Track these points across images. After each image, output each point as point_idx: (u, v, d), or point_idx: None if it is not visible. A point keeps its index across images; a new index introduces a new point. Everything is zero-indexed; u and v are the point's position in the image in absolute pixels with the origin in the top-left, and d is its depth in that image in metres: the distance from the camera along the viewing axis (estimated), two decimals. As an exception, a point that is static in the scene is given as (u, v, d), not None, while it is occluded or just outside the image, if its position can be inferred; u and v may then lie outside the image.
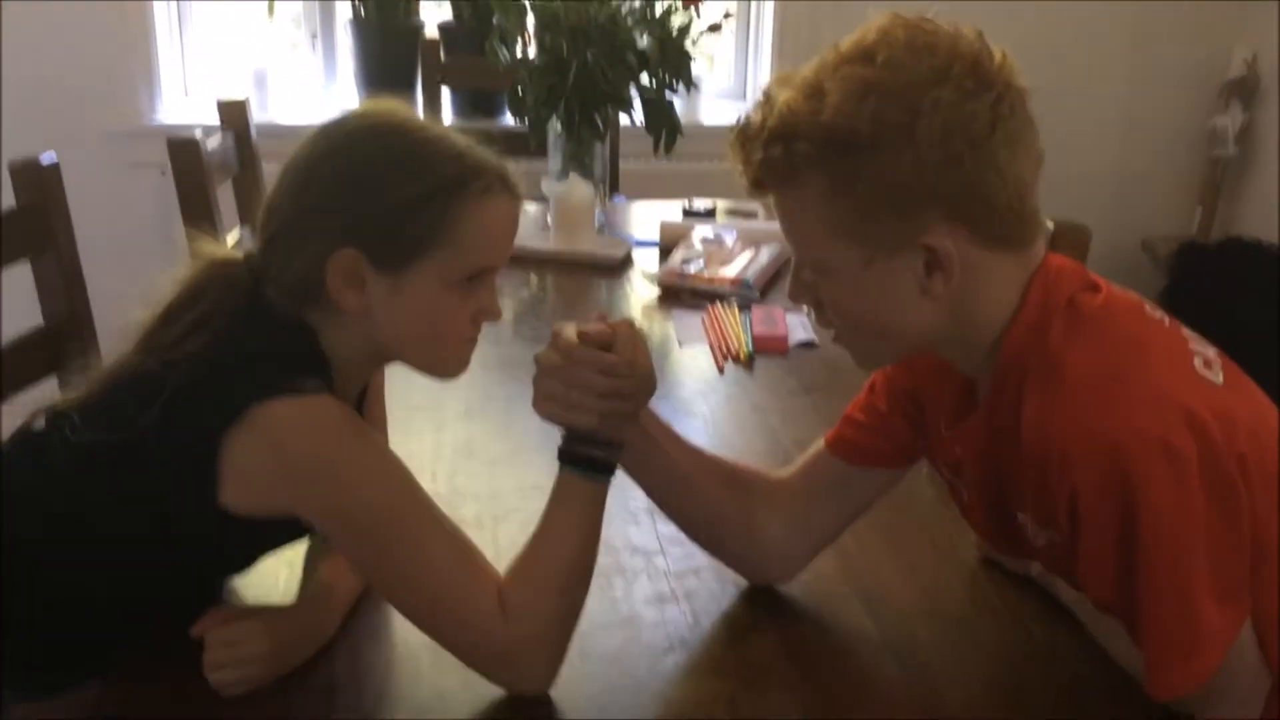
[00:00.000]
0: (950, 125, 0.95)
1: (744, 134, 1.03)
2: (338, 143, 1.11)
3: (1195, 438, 0.94)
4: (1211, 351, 1.05)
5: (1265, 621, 1.01)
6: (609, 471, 1.14)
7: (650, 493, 1.27)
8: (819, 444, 1.28)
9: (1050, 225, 1.69)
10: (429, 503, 1.08)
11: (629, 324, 1.16)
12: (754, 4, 3.49)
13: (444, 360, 1.16)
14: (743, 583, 1.30)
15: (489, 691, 1.10)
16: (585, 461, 1.13)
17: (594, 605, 1.24)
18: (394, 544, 1.06)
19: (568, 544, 1.11)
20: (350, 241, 1.07)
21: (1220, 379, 1.02)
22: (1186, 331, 1.07)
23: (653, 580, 1.30)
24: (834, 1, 3.23)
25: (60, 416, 1.12)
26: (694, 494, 1.26)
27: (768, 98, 1.02)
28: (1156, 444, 0.93)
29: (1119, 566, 0.97)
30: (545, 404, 1.14)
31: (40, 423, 1.14)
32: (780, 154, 0.99)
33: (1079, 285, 1.04)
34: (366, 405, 1.25)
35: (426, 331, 1.13)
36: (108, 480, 1.09)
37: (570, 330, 1.14)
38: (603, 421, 1.12)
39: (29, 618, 1.12)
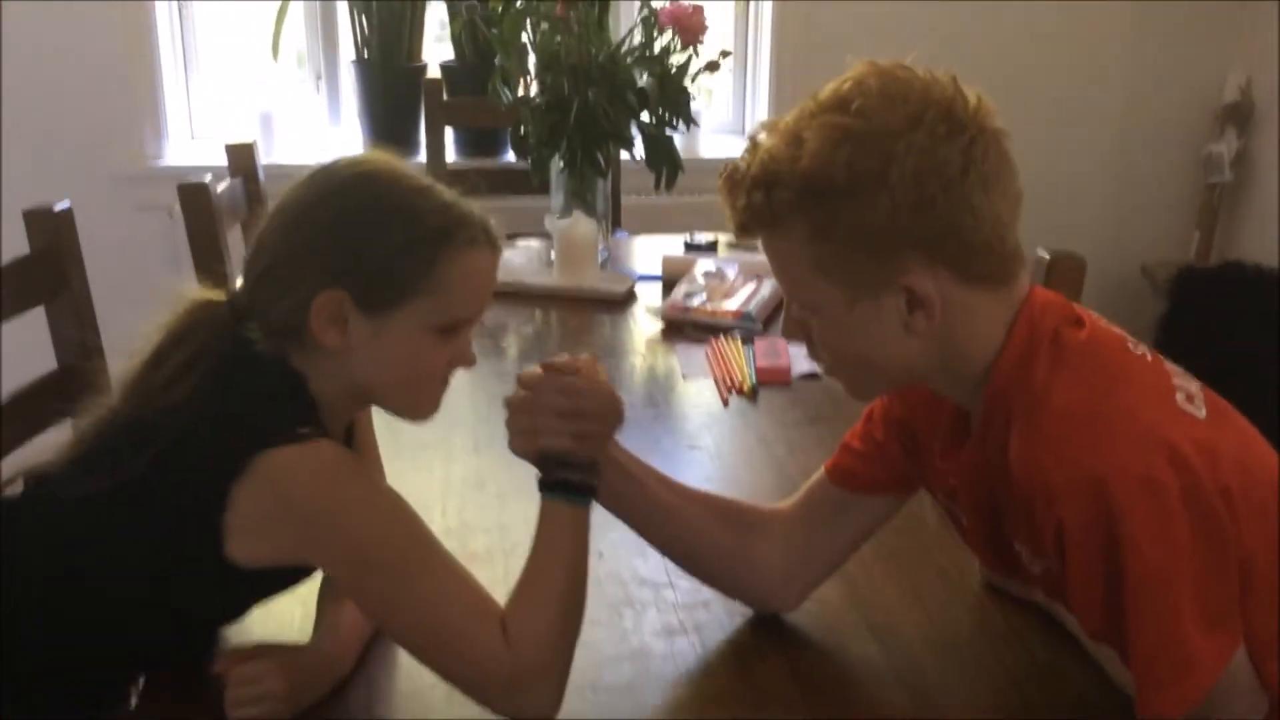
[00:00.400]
0: (923, 170, 0.98)
1: (730, 179, 1.07)
2: (331, 188, 1.14)
3: (1176, 471, 0.96)
4: (1194, 386, 1.07)
5: (1261, 646, 1.02)
6: (588, 494, 1.17)
7: (639, 530, 1.29)
8: (819, 472, 1.31)
9: (1046, 255, 1.71)
10: (431, 538, 1.11)
11: (590, 356, 1.21)
12: (751, 41, 3.53)
13: (417, 403, 1.19)
14: (750, 613, 1.32)
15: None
16: (563, 486, 1.16)
17: (604, 637, 1.27)
18: (399, 582, 1.08)
19: (558, 569, 1.13)
20: (338, 283, 1.10)
21: (1203, 413, 1.04)
22: (1170, 366, 1.09)
23: (661, 612, 1.32)
24: (829, 39, 3.33)
25: (42, 479, 1.14)
26: (682, 527, 1.29)
27: (753, 144, 1.06)
28: (1138, 479, 0.96)
29: (1106, 597, 1.00)
30: (517, 439, 1.18)
31: (18, 488, 1.16)
32: (762, 200, 1.03)
33: (1063, 319, 1.07)
34: (356, 444, 1.28)
35: (403, 375, 1.16)
36: (106, 533, 1.10)
37: (534, 368, 1.19)
38: (574, 443, 1.16)
39: (26, 672, 1.13)
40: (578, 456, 1.16)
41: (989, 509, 1.13)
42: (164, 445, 1.07)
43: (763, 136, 1.05)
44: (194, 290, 1.19)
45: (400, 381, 1.17)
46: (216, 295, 1.19)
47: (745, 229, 1.07)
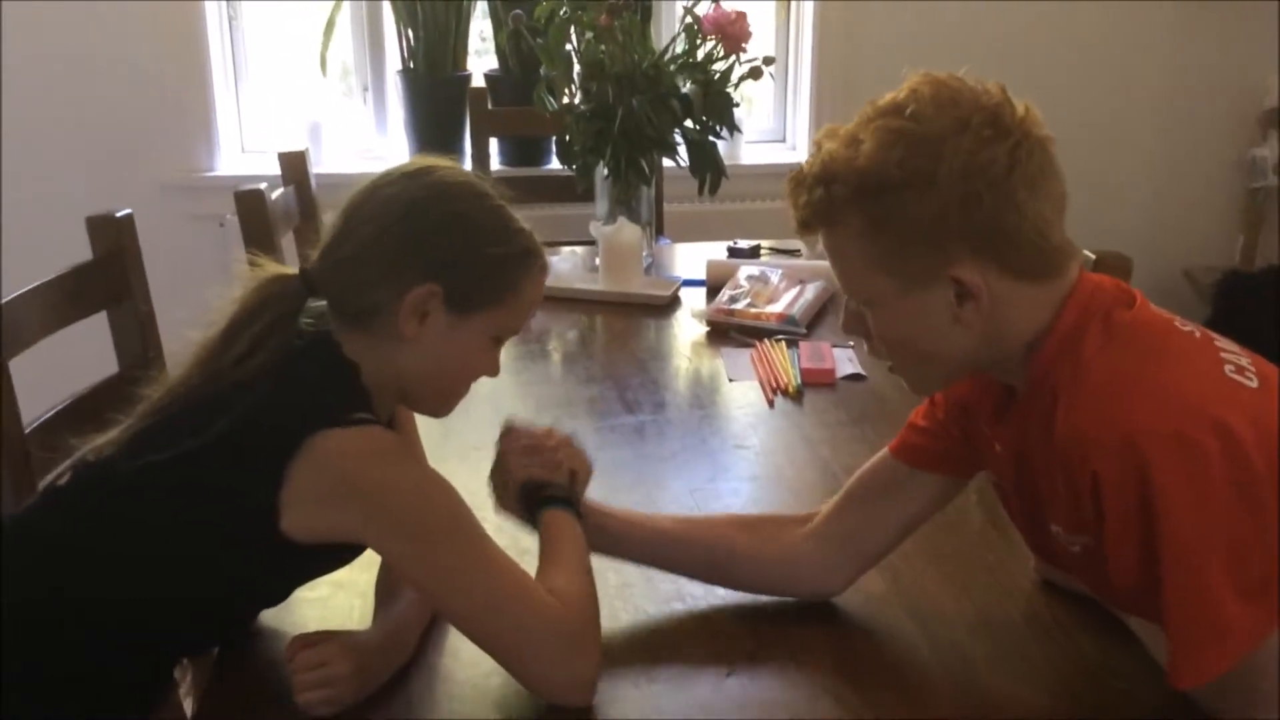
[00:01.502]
0: (970, 169, 1.05)
1: (795, 179, 1.14)
2: (442, 189, 1.20)
3: (1219, 437, 0.99)
4: (1245, 359, 1.10)
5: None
6: (575, 506, 1.28)
7: (661, 565, 1.37)
8: (879, 454, 1.35)
9: (1092, 256, 1.73)
10: (476, 520, 1.17)
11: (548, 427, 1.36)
12: (792, 48, 3.55)
13: (443, 402, 1.27)
14: (797, 603, 1.34)
15: (558, 712, 1.15)
16: (548, 502, 1.27)
17: (656, 629, 1.29)
18: (452, 555, 1.14)
19: (570, 552, 1.22)
20: (439, 278, 1.17)
21: (1255, 383, 1.07)
22: (1221, 342, 1.12)
23: (713, 604, 1.34)
24: (870, 46, 3.35)
25: (100, 457, 1.17)
26: (700, 545, 1.36)
27: (817, 147, 1.13)
28: (1174, 438, 0.99)
29: (1142, 558, 1.03)
30: (499, 496, 1.32)
31: (66, 475, 1.20)
32: (822, 196, 1.11)
33: (1116, 301, 1.11)
34: (398, 433, 1.32)
35: (450, 373, 1.24)
36: (163, 502, 1.14)
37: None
38: (545, 472, 1.29)
39: (74, 655, 1.15)
40: (554, 479, 1.29)
41: (1029, 486, 1.18)
42: (231, 419, 1.11)
43: (826, 141, 1.13)
44: (268, 266, 1.23)
45: (445, 378, 1.24)
46: (289, 271, 1.23)
47: (807, 225, 1.14)
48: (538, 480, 1.29)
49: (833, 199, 1.10)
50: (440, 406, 1.28)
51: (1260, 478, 1.00)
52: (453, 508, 1.15)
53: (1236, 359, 1.09)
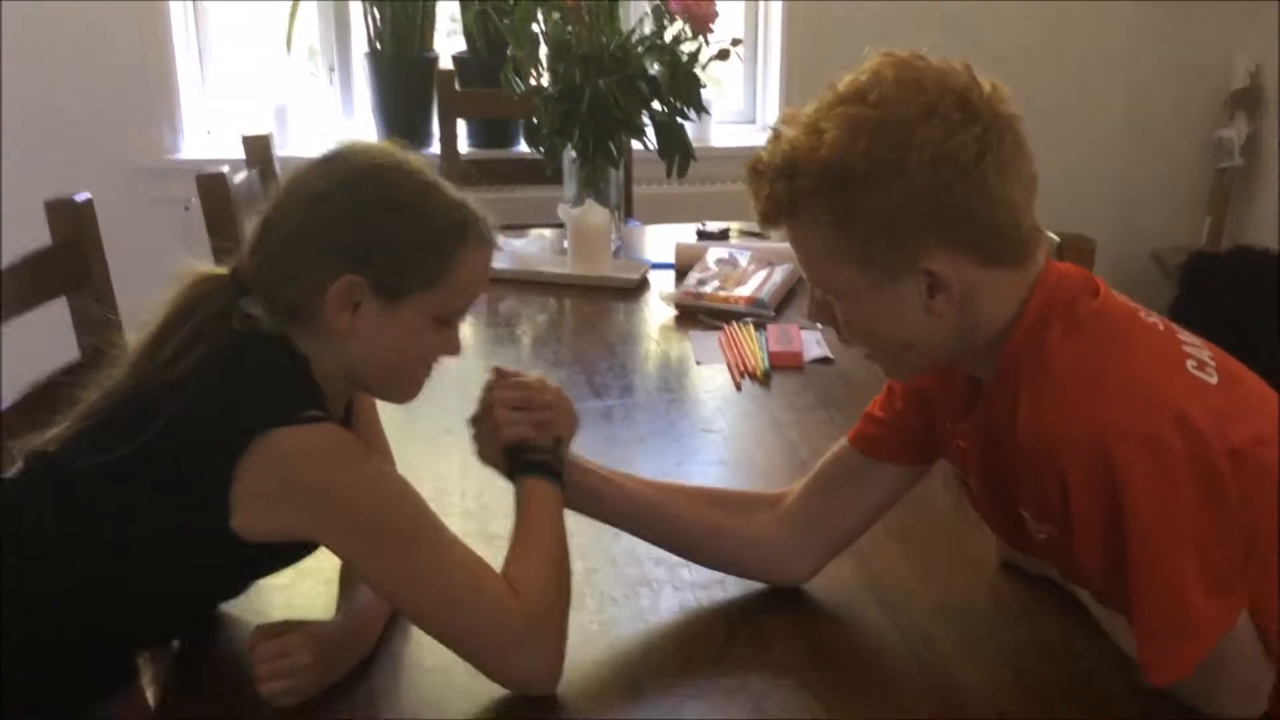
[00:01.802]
0: (939, 157, 1.02)
1: (754, 170, 1.10)
2: (351, 176, 1.17)
3: (1181, 433, 0.99)
4: (1206, 354, 1.09)
5: (1266, 616, 1.04)
6: (557, 474, 1.24)
7: (634, 530, 1.34)
8: (840, 442, 1.34)
9: (1055, 238, 1.73)
10: (430, 513, 1.15)
11: (539, 375, 1.31)
12: (761, 29, 3.54)
13: (403, 388, 1.25)
14: (765, 591, 1.34)
15: (523, 699, 1.15)
16: (531, 466, 1.23)
17: (622, 617, 1.29)
18: (405, 554, 1.12)
19: (545, 531, 1.20)
20: (358, 268, 1.14)
21: (1214, 380, 1.06)
22: (1183, 335, 1.12)
23: (678, 591, 1.34)
24: (839, 27, 3.34)
25: (44, 453, 1.16)
26: (676, 518, 1.33)
27: (775, 135, 1.09)
28: (1139, 436, 0.98)
29: (1108, 554, 1.03)
30: (482, 444, 1.27)
31: (18, 466, 1.18)
32: (784, 189, 1.07)
33: (1081, 290, 1.10)
34: (357, 427, 1.31)
35: (397, 359, 1.21)
36: (111, 505, 1.12)
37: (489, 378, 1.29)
38: (533, 430, 1.24)
39: (27, 653, 1.14)
40: (539, 442, 1.24)
41: (995, 475, 1.16)
42: (169, 420, 1.09)
43: (784, 128, 1.09)
44: (198, 266, 1.21)
45: (393, 365, 1.21)
46: (219, 270, 1.21)
47: (769, 218, 1.11)
48: (523, 441, 1.24)
49: (796, 192, 1.06)
50: (400, 393, 1.25)
51: (1223, 473, 1.00)
52: (405, 503, 1.13)
53: (1198, 353, 1.09)
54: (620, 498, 1.32)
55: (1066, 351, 1.05)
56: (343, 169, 1.18)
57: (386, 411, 1.41)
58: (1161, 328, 1.11)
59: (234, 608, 1.29)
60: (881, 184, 1.03)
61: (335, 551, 1.16)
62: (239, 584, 1.26)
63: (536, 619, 1.13)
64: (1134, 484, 0.98)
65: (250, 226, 1.20)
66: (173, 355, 1.13)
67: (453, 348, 1.23)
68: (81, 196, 1.78)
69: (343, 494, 1.11)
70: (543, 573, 1.17)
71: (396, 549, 1.12)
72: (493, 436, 1.25)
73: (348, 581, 1.28)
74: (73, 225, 1.76)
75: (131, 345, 1.18)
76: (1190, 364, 1.07)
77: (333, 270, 1.13)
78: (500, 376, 1.28)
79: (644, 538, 1.35)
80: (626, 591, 1.34)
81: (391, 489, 1.14)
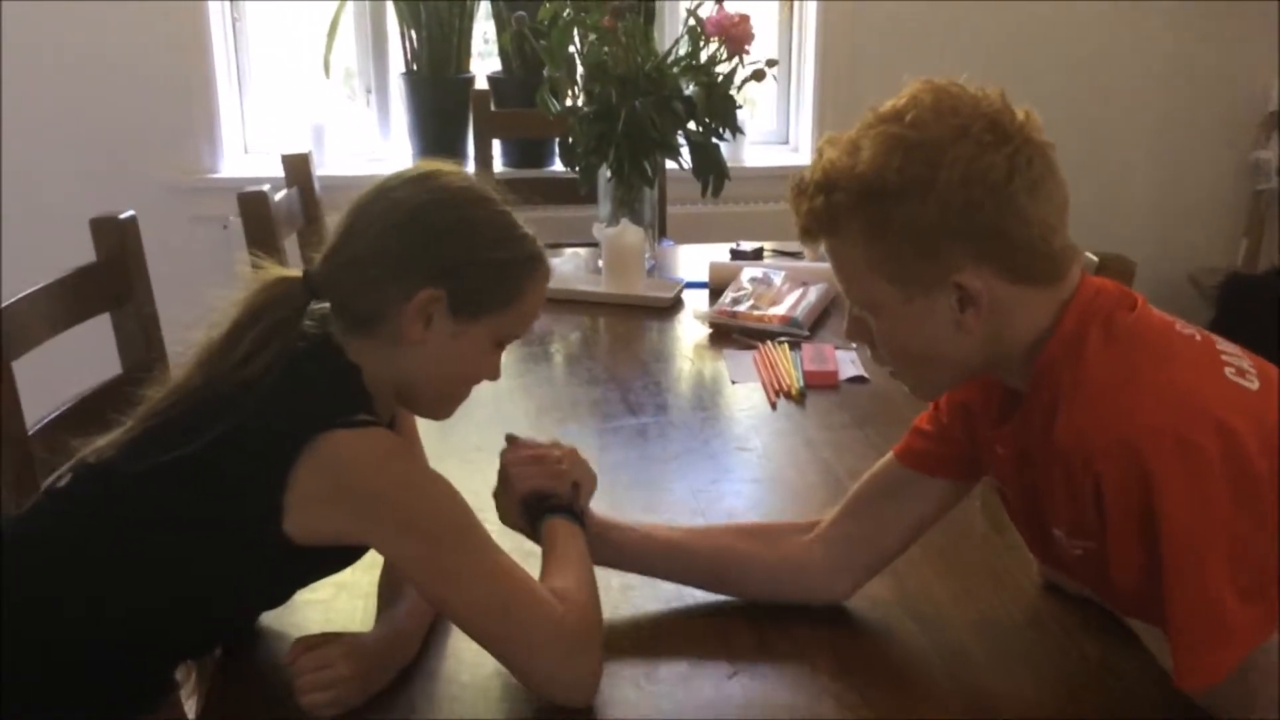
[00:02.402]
0: (969, 175, 1.05)
1: (797, 187, 1.15)
2: (446, 195, 1.20)
3: (1219, 438, 1.00)
4: (1246, 362, 1.10)
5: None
6: (577, 515, 1.28)
7: (667, 576, 1.36)
8: (881, 460, 1.35)
9: (1094, 259, 1.73)
10: (478, 521, 1.17)
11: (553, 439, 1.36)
12: (795, 50, 3.56)
13: (446, 405, 1.28)
14: (801, 608, 1.33)
15: (560, 713, 1.15)
16: (552, 510, 1.27)
17: (659, 628, 1.30)
18: (457, 560, 1.14)
19: (574, 557, 1.23)
20: (438, 283, 1.17)
21: (1255, 385, 1.07)
22: (1222, 345, 1.12)
23: (717, 604, 1.34)
24: (873, 48, 3.35)
25: (92, 465, 1.17)
26: (706, 555, 1.36)
27: (819, 155, 1.14)
28: (1173, 440, 1.00)
29: (1144, 562, 1.03)
30: (504, 511, 1.32)
31: (67, 477, 1.19)
32: (823, 204, 1.11)
33: (1118, 304, 1.12)
34: (399, 435, 1.31)
35: (453, 376, 1.24)
36: (165, 504, 1.14)
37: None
38: (549, 481, 1.30)
39: (72, 659, 1.15)
40: (555, 490, 1.29)
41: (1030, 491, 1.18)
42: (234, 421, 1.11)
43: (827, 148, 1.13)
44: (271, 268, 1.24)
45: (446, 381, 1.24)
46: (292, 273, 1.23)
47: (809, 232, 1.15)
48: (540, 491, 1.29)
49: (833, 206, 1.10)
50: (441, 410, 1.28)
51: (1261, 479, 1.01)
52: (456, 509, 1.15)
53: (1238, 361, 1.10)
54: (646, 545, 1.35)
55: (1103, 363, 1.07)
56: (436, 187, 1.21)
57: (421, 428, 1.42)
58: (1199, 338, 1.12)
59: (273, 620, 1.30)
60: (914, 198, 1.06)
61: (385, 554, 1.18)
62: (283, 592, 1.27)
63: (581, 629, 1.15)
64: (1167, 486, 1.00)
65: (328, 233, 1.23)
66: (244, 357, 1.15)
67: (494, 373, 1.27)
68: (126, 214, 1.81)
69: (394, 496, 1.13)
70: (580, 587, 1.18)
71: (446, 552, 1.14)
72: (511, 496, 1.30)
73: (386, 595, 1.29)
74: (117, 242, 1.78)
75: (200, 344, 1.19)
76: (1229, 371, 1.08)
77: (416, 282, 1.17)
78: (512, 443, 1.34)
79: (675, 580, 1.36)
80: (664, 605, 1.34)
81: (441, 492, 1.15)
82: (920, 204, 1.06)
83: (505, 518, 1.32)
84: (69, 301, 1.70)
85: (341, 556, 1.24)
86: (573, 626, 1.14)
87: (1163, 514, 1.00)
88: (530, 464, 1.31)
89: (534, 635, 1.13)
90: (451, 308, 1.18)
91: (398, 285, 1.17)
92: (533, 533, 1.28)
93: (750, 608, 1.34)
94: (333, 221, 1.24)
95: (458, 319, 1.19)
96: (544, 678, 1.14)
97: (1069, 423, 1.07)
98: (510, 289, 1.21)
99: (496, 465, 1.33)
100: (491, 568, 1.14)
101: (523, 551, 1.25)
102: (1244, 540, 1.00)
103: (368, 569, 1.30)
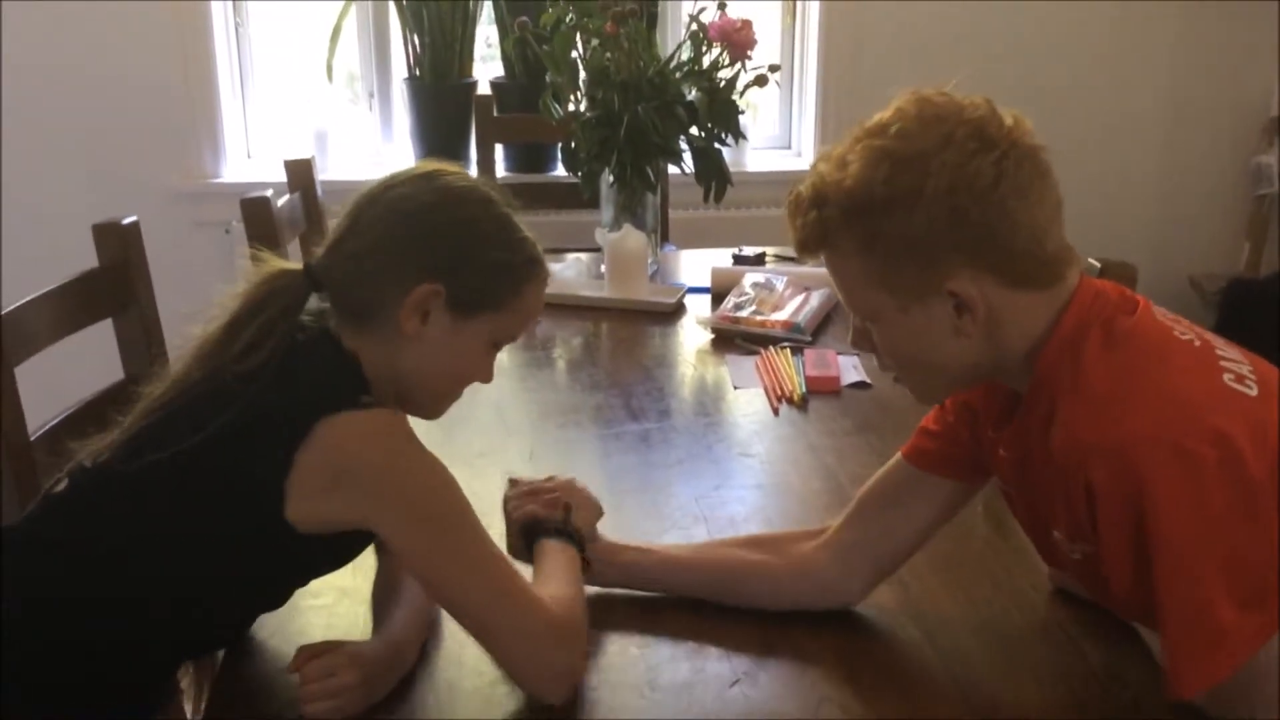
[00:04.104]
0: (956, 183, 1.06)
1: (792, 203, 1.16)
2: (450, 193, 1.21)
3: (1215, 445, 1.00)
4: (1246, 367, 1.10)
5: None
6: (568, 536, 1.30)
7: (674, 590, 1.37)
8: (889, 462, 1.35)
9: (1097, 264, 1.73)
10: (474, 511, 1.18)
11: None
12: (798, 56, 3.56)
13: (438, 404, 1.28)
14: (804, 614, 1.33)
15: (559, 716, 1.15)
16: (545, 533, 1.30)
17: (662, 636, 1.29)
18: (457, 545, 1.15)
19: (561, 573, 1.25)
20: (441, 279, 1.18)
21: (1255, 391, 1.07)
22: (1222, 350, 1.12)
23: (719, 612, 1.34)
24: (875, 53, 3.35)
25: (87, 468, 1.17)
26: (712, 568, 1.38)
27: (812, 171, 1.15)
28: (1166, 445, 1.00)
29: (1136, 567, 1.03)
30: (509, 549, 1.32)
31: (64, 482, 1.20)
32: (815, 219, 1.13)
33: (1118, 308, 1.12)
34: None
35: (447, 373, 1.25)
36: (165, 499, 1.14)
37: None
38: (544, 508, 1.32)
39: (72, 660, 1.15)
40: (550, 516, 1.31)
41: (1030, 493, 1.18)
42: (238, 410, 1.12)
43: (819, 163, 1.14)
44: (271, 260, 1.24)
45: (440, 378, 1.25)
46: (293, 266, 1.24)
47: (804, 247, 1.16)
48: (535, 518, 1.32)
49: (825, 221, 1.12)
50: (433, 408, 1.28)
51: (1259, 486, 1.00)
52: (457, 496, 1.16)
53: (1237, 367, 1.09)
54: (655, 562, 1.37)
55: (1100, 368, 1.07)
56: (443, 186, 1.22)
57: (425, 432, 1.42)
58: (1199, 344, 1.12)
59: (275, 627, 1.30)
60: (902, 210, 1.07)
61: (386, 532, 1.17)
62: (284, 589, 1.27)
63: (567, 621, 1.17)
64: (1159, 492, 1.00)
65: (330, 227, 1.24)
66: (245, 348, 1.16)
67: (487, 375, 1.28)
68: (128, 219, 1.81)
69: (400, 475, 1.13)
70: (567, 591, 1.21)
71: (448, 537, 1.15)
72: (511, 528, 1.33)
73: (381, 602, 1.30)
74: (120, 247, 1.78)
75: (200, 337, 1.20)
76: (1228, 377, 1.07)
77: (416, 276, 1.18)
78: (514, 484, 1.38)
79: (684, 594, 1.36)
80: (666, 613, 1.34)
81: (442, 476, 1.16)
82: (909, 215, 1.07)
83: (510, 550, 1.33)
84: (71, 307, 1.70)
85: (341, 550, 1.24)
86: (559, 620, 1.16)
87: (1155, 521, 1.00)
88: (526, 497, 1.35)
89: (522, 622, 1.14)
90: (449, 304, 1.19)
91: (397, 279, 1.18)
92: (531, 559, 1.30)
93: (752, 615, 1.33)
94: (337, 216, 1.25)
95: (455, 316, 1.20)
96: (530, 665, 1.15)
97: (1064, 427, 1.07)
98: (508, 290, 1.22)
99: (500, 470, 1.34)
100: (487, 558, 1.16)
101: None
102: (1242, 548, 1.00)
103: (368, 575, 1.30)
